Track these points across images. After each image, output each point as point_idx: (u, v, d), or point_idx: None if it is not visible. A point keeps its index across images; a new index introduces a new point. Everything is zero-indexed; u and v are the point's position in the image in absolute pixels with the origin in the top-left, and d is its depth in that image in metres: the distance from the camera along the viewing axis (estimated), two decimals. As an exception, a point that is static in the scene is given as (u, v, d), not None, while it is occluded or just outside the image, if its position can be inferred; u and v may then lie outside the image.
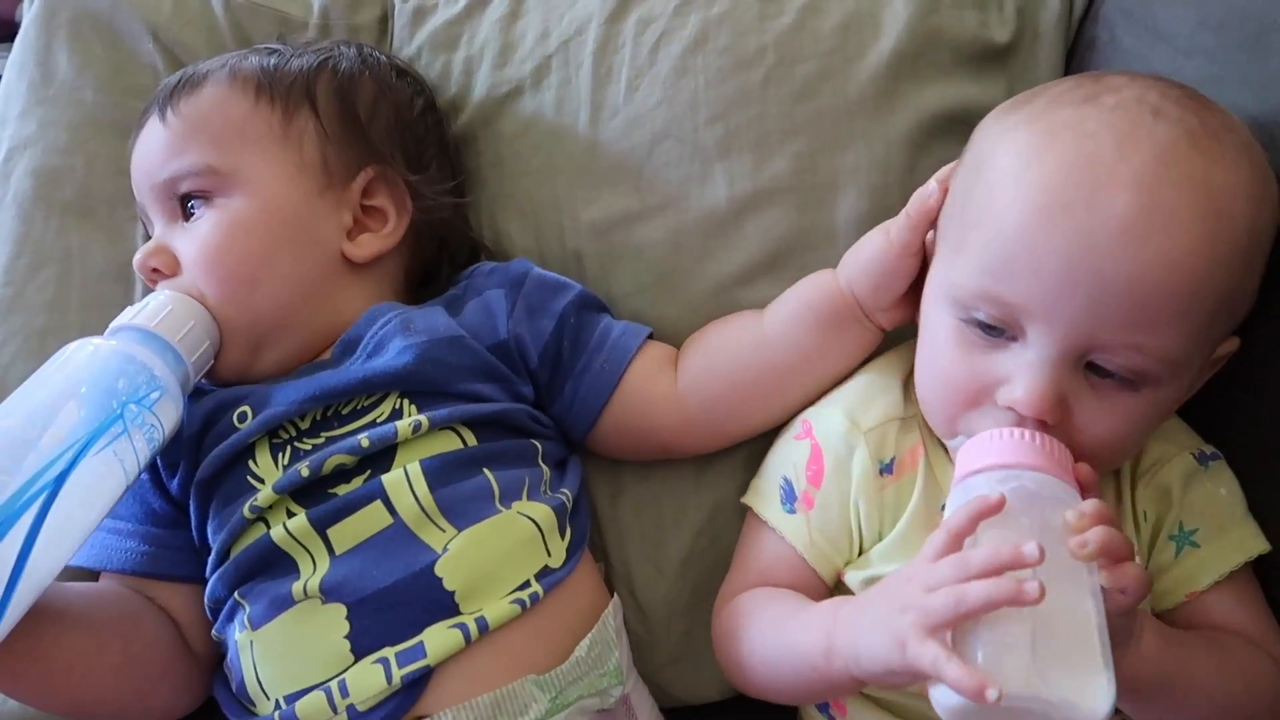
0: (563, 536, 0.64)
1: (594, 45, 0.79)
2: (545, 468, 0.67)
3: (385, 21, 0.87)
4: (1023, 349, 0.54)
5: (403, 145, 0.73)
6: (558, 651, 0.61)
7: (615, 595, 0.68)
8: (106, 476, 0.57)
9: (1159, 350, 0.52)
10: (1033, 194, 0.53)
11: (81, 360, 0.60)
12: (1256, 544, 0.60)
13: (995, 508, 0.49)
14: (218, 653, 0.66)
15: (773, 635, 0.61)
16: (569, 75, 0.79)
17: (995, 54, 0.79)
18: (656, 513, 0.74)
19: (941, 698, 0.47)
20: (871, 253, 0.65)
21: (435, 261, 0.78)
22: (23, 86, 0.82)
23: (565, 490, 0.67)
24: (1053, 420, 0.53)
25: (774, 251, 0.74)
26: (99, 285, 0.77)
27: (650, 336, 0.73)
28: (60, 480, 0.55)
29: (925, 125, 0.76)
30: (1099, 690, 0.46)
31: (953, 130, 0.76)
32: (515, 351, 0.69)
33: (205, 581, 0.64)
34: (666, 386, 0.70)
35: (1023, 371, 0.53)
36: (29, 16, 0.83)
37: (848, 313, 0.66)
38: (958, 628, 0.48)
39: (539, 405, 0.70)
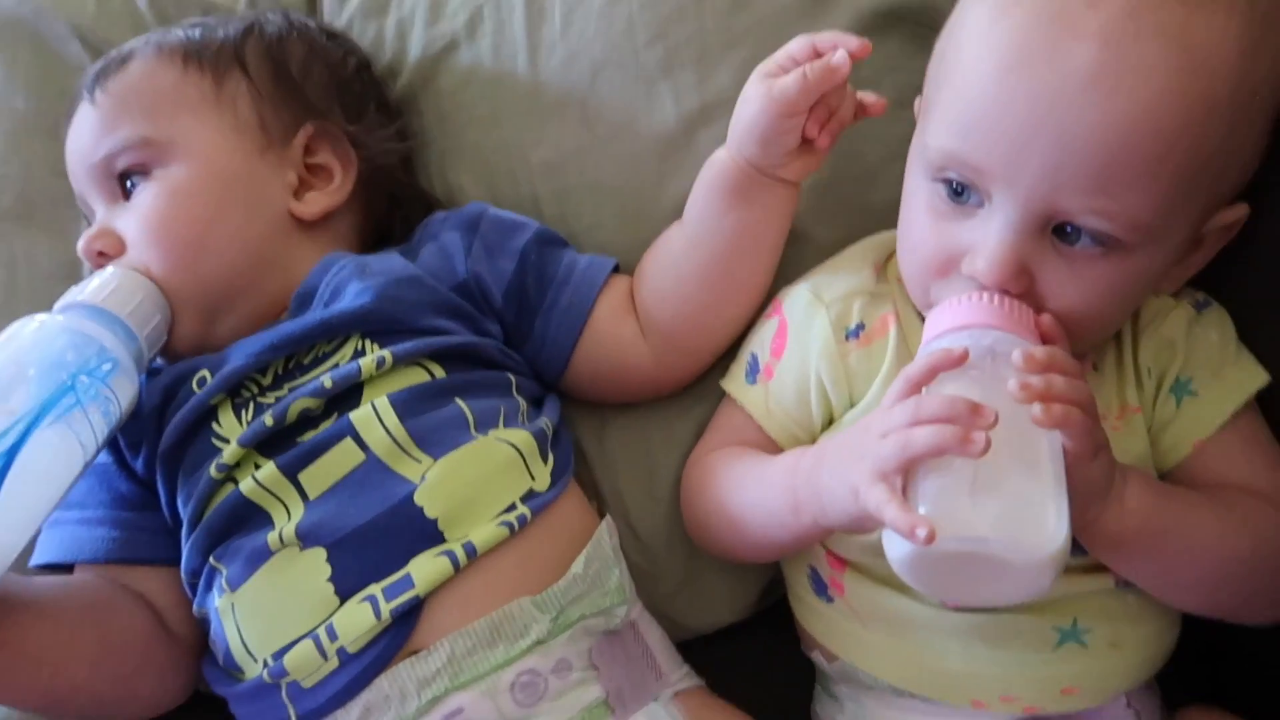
0: (545, 461, 0.62)
1: (525, -12, 0.78)
2: (521, 399, 0.65)
3: (314, 2, 0.87)
4: (987, 216, 0.52)
5: (340, 100, 0.72)
6: (552, 573, 0.59)
7: (609, 516, 0.65)
8: (62, 451, 0.55)
9: (1126, 214, 0.50)
10: (997, 50, 0.51)
11: (27, 336, 0.58)
12: (1255, 379, 0.58)
13: (956, 360, 0.49)
14: (202, 635, 0.63)
15: (737, 493, 0.61)
16: (502, 21, 0.78)
17: (928, -49, 0.79)
18: (645, 440, 0.72)
19: (889, 549, 0.47)
20: (755, 111, 0.61)
21: (388, 219, 0.76)
22: (-49, 102, 0.80)
23: (545, 419, 0.65)
24: (1015, 289, 0.52)
25: (731, 161, 0.72)
26: (47, 285, 0.75)
27: (617, 268, 0.71)
28: (11, 455, 0.53)
29: (865, 22, 0.75)
30: (1045, 530, 0.45)
31: (891, 25, 0.75)
32: (477, 291, 0.67)
33: (181, 567, 0.62)
34: (634, 326, 0.68)
35: (985, 240, 0.52)
36: (-48, 33, 0.82)
37: (748, 179, 0.64)
38: (910, 476, 0.47)
39: (510, 345, 0.68)
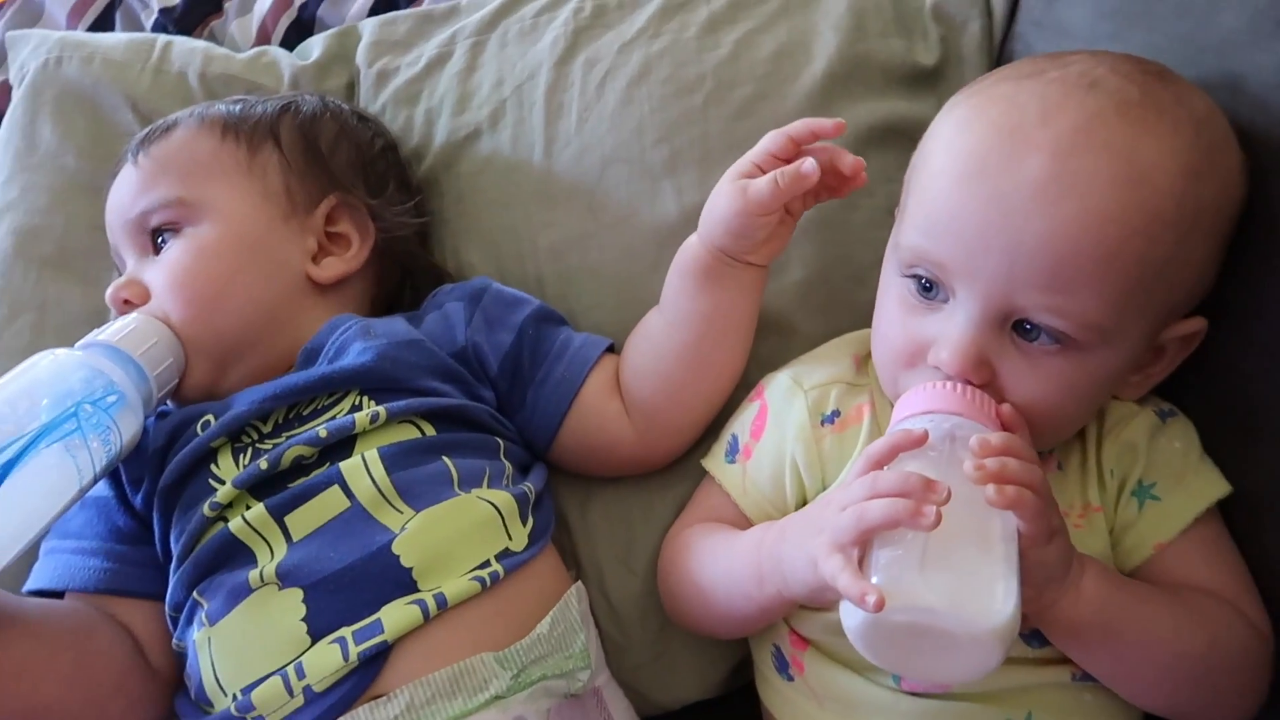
0: (524, 523, 0.64)
1: (545, 86, 0.84)
2: (507, 464, 0.68)
3: (352, 88, 0.93)
4: (951, 311, 0.56)
5: (364, 176, 0.77)
6: (519, 632, 0.60)
7: (580, 581, 0.67)
8: (58, 472, 0.57)
9: (1078, 314, 0.53)
10: (959, 159, 0.56)
11: (42, 366, 0.61)
12: (1217, 488, 0.60)
13: (916, 440, 0.51)
14: (179, 670, 0.64)
15: (707, 565, 0.62)
16: (523, 115, 0.84)
17: (924, 76, 0.84)
18: (625, 513, 0.74)
19: (845, 618, 0.48)
20: (727, 210, 0.64)
21: (399, 289, 0.80)
22: (8, 158, 0.87)
23: (529, 484, 0.67)
24: (977, 380, 0.55)
25: (726, 254, 0.76)
26: (74, 329, 0.78)
27: (611, 348, 0.74)
28: (7, 468, 0.55)
29: (862, 136, 0.80)
30: (993, 605, 0.46)
31: (888, 140, 0.80)
32: (474, 359, 0.71)
33: (166, 602, 0.64)
34: (621, 403, 0.71)
35: (949, 333, 0.55)
36: (17, 96, 0.89)
37: (720, 265, 0.67)
38: (867, 548, 0.49)
39: (502, 414, 0.71)
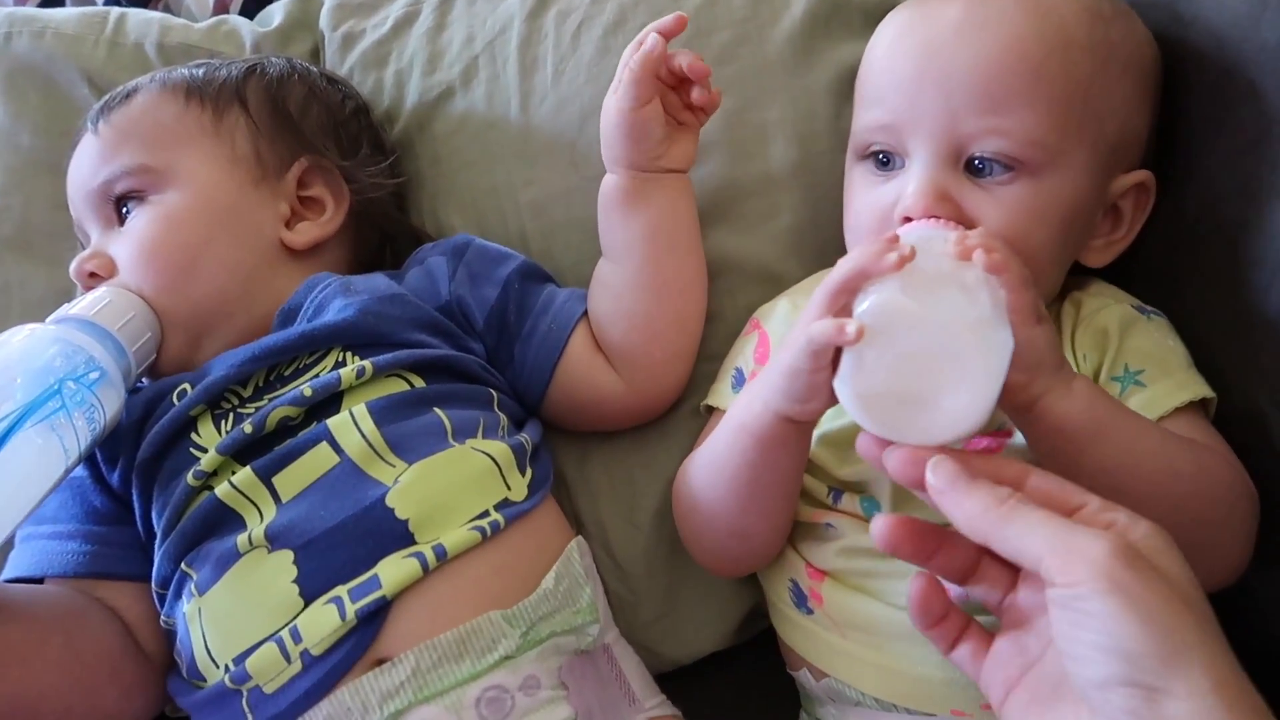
0: (523, 474, 0.62)
1: (518, 41, 0.82)
2: (502, 415, 0.66)
3: (317, 54, 0.90)
4: (908, 166, 0.60)
5: (336, 138, 0.74)
6: (523, 586, 0.58)
7: (580, 535, 0.65)
8: (45, 452, 0.55)
9: (1019, 131, 0.57)
10: (889, 33, 0.64)
11: (18, 342, 0.59)
12: (1202, 389, 0.59)
13: (888, 242, 0.50)
14: (171, 654, 0.61)
15: (709, 446, 0.62)
16: (496, 71, 0.82)
17: (903, 16, 0.83)
18: (626, 468, 0.72)
19: (839, 385, 0.48)
20: (610, 122, 0.66)
21: (378, 254, 0.78)
22: (-40, 141, 0.83)
23: (525, 436, 0.65)
24: (942, 214, 0.57)
25: (713, 201, 0.74)
26: (39, 311, 0.74)
27: None
28: None
29: (845, 76, 0.77)
30: (987, 318, 0.47)
31: (873, 81, 0.79)
32: (459, 313, 0.69)
33: (152, 580, 0.61)
34: (605, 358, 0.70)
35: (908, 181, 0.59)
36: (-35, 77, 0.85)
37: (636, 184, 0.67)
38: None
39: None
